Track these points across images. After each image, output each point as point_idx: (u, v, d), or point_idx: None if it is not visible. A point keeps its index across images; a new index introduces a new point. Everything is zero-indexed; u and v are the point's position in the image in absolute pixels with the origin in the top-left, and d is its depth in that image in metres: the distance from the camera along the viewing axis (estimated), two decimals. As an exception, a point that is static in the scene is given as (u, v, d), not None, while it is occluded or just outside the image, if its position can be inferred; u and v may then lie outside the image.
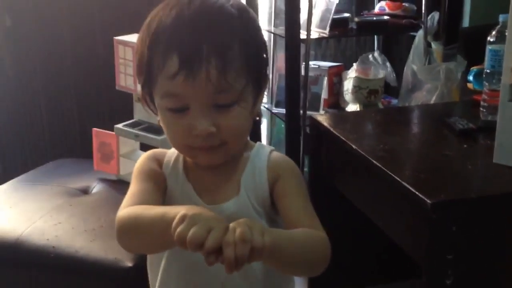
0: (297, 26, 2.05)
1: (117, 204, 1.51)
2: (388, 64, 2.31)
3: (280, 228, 0.82)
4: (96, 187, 1.65)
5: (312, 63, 2.35)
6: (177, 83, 0.75)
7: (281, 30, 2.19)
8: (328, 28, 2.26)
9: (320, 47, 2.60)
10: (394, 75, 2.31)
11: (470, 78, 1.78)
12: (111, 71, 1.68)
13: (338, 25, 2.31)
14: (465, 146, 1.37)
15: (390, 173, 1.21)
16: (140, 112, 1.71)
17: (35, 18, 2.10)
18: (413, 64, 2.02)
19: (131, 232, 0.77)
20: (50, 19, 2.11)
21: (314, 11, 2.19)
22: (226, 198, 0.84)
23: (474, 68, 1.78)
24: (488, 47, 1.47)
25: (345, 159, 1.45)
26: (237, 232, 0.64)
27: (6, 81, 2.13)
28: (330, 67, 2.44)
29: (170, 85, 0.76)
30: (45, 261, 1.33)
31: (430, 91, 1.98)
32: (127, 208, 0.79)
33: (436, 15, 2.05)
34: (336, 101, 2.46)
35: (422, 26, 2.08)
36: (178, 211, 0.68)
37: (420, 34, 2.07)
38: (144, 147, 1.69)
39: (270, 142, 2.68)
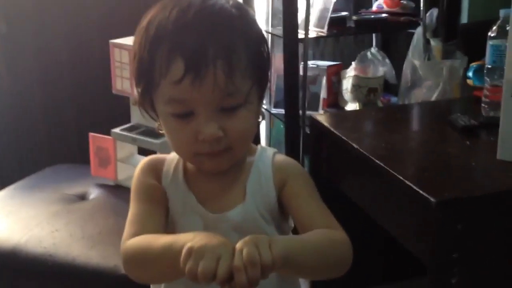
0: (295, 26, 2.03)
1: (115, 210, 1.51)
2: (387, 60, 2.30)
3: (287, 234, 0.81)
4: (94, 193, 1.63)
5: (310, 63, 2.33)
6: (183, 88, 0.73)
7: (279, 30, 2.18)
8: (326, 27, 2.24)
9: (318, 46, 2.59)
10: (394, 72, 2.29)
11: (470, 74, 1.77)
12: (108, 75, 1.66)
13: (336, 24, 2.30)
14: (467, 143, 1.35)
15: (393, 172, 1.19)
16: (137, 115, 1.69)
17: (30, 24, 2.08)
18: (414, 59, 2.00)
19: (140, 266, 0.76)
20: (46, 25, 2.09)
21: (311, 10, 2.18)
22: (231, 205, 0.81)
23: (474, 64, 1.77)
24: (489, 42, 1.45)
25: (346, 159, 1.43)
26: (244, 255, 0.62)
27: (1, 87, 2.11)
28: (328, 66, 2.43)
29: (175, 90, 0.74)
30: (43, 269, 1.31)
31: (430, 88, 1.97)
32: (132, 240, 0.77)
33: (434, 11, 2.03)
34: (335, 101, 2.45)
35: (421, 23, 2.06)
36: (184, 241, 0.66)
37: (419, 31, 2.05)
38: (142, 151, 1.68)
39: (269, 143, 2.67)
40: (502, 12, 1.41)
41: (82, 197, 1.62)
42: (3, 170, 2.15)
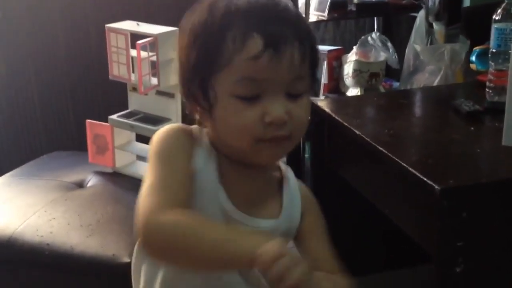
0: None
1: (113, 197, 1.50)
2: (389, 45, 2.27)
3: None
4: (92, 180, 1.61)
5: (311, 47, 2.30)
6: (260, 65, 0.71)
7: (279, 14, 2.14)
8: (326, 11, 2.22)
9: (318, 30, 2.55)
10: (396, 56, 2.26)
11: (473, 58, 1.74)
12: (105, 61, 1.63)
13: (336, 8, 2.27)
14: (472, 129, 1.33)
15: (397, 159, 1.17)
16: (135, 102, 1.66)
17: (26, 10, 2.06)
18: (416, 44, 1.97)
19: (174, 249, 0.68)
20: (42, 10, 2.07)
21: (312, -7, 2.14)
22: (266, 215, 0.79)
23: (477, 48, 1.74)
24: (494, 25, 1.42)
25: (348, 145, 1.41)
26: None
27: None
28: (329, 51, 2.40)
29: (252, 67, 0.71)
30: (40, 259, 1.29)
31: (433, 72, 1.94)
32: (170, 217, 0.68)
33: (437, -6, 2.00)
34: (336, 86, 2.42)
35: (423, 6, 2.03)
36: (252, 245, 0.65)
37: (421, 14, 2.03)
38: (140, 138, 1.66)
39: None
40: (507, -5, 1.38)
41: (80, 185, 1.60)
42: (0, 158, 2.14)
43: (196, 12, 0.76)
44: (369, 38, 2.30)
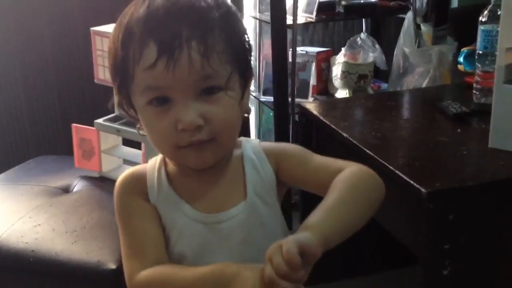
0: (283, 11, 1.99)
1: (99, 203, 1.48)
2: (377, 46, 2.26)
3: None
4: (78, 185, 1.59)
5: (299, 49, 2.29)
6: (158, 72, 0.69)
7: (267, 16, 2.13)
8: (315, 13, 2.20)
9: (307, 32, 2.54)
10: (384, 58, 2.26)
11: (461, 59, 1.74)
12: (92, 64, 1.62)
13: (325, 9, 2.26)
14: (459, 130, 1.33)
15: (384, 162, 1.17)
16: (121, 105, 1.65)
17: (12, 13, 2.03)
18: (404, 47, 1.97)
19: None
20: (28, 14, 2.05)
21: (299, -5, 2.13)
22: (232, 204, 0.78)
23: (465, 49, 1.74)
24: (480, 27, 1.42)
25: (336, 148, 1.41)
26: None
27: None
28: (318, 53, 2.39)
29: (150, 76, 0.70)
30: (24, 265, 1.27)
31: (422, 74, 1.94)
32: (145, 277, 0.74)
33: (424, -5, 2.00)
34: (325, 88, 2.41)
35: (411, 7, 2.03)
36: (221, 271, 0.68)
37: (409, 16, 2.02)
38: (127, 142, 1.64)
39: (259, 131, 2.63)
40: (493, -4, 1.38)
41: (66, 190, 1.58)
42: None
43: (114, 27, 0.76)
44: (358, 39, 2.29)
